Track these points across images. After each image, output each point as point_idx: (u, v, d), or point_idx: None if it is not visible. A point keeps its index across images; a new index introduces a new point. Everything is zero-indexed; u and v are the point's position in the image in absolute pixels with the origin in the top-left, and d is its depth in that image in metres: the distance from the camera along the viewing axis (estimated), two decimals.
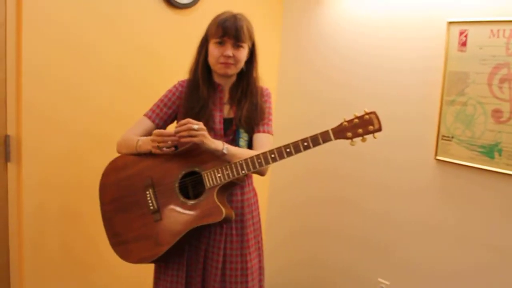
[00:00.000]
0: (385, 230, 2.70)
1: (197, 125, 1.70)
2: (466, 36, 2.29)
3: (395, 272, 2.68)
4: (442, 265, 2.48)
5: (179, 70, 2.69)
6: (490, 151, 2.25)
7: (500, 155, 2.22)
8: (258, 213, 2.05)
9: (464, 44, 2.30)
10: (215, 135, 1.87)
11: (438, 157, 2.44)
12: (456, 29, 2.32)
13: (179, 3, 2.57)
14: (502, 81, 2.20)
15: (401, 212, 2.63)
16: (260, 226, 2.05)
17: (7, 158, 2.16)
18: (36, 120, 2.19)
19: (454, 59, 2.34)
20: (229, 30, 1.83)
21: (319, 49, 2.96)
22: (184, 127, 1.69)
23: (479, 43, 2.25)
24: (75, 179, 2.35)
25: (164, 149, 1.77)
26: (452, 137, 2.38)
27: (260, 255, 2.03)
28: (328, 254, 2.99)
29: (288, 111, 3.13)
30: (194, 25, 2.67)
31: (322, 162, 2.94)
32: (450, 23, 2.34)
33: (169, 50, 2.61)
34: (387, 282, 2.71)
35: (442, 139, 2.41)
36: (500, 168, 2.22)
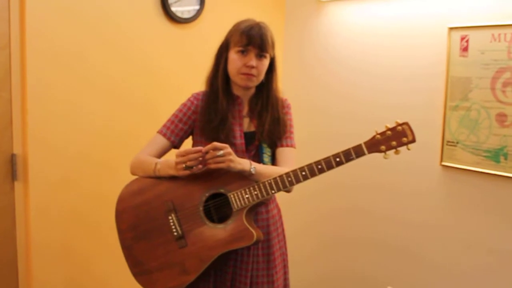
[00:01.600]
0: (393, 236, 2.69)
1: (223, 149, 1.58)
2: (467, 41, 2.29)
3: (403, 277, 2.66)
4: (451, 270, 2.47)
5: (182, 86, 2.71)
6: (495, 156, 2.24)
7: (506, 159, 2.21)
8: (283, 229, 1.95)
9: (465, 49, 2.30)
10: (236, 151, 1.73)
11: (444, 163, 2.43)
12: (457, 35, 2.33)
13: (180, 18, 2.59)
14: (505, 85, 2.19)
15: (408, 218, 2.62)
16: (285, 243, 1.95)
17: (13, 177, 2.17)
18: (42, 138, 2.20)
19: (456, 64, 2.34)
20: (254, 39, 1.72)
21: (321, 59, 2.97)
22: (208, 155, 1.58)
23: (480, 47, 2.25)
24: (83, 196, 2.35)
25: (193, 168, 1.62)
26: (457, 143, 2.37)
27: (285, 273, 1.93)
28: (340, 262, 2.98)
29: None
30: (196, 39, 2.70)
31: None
32: (451, 28, 2.34)
33: (172, 67, 2.62)
34: None
35: (447, 144, 2.41)
36: (507, 172, 2.21)
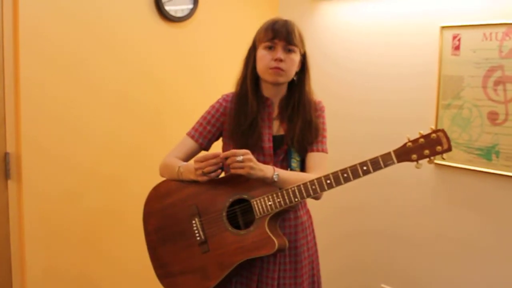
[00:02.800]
0: (388, 232, 2.71)
1: (242, 155, 1.54)
2: (459, 40, 2.31)
3: (395, 280, 2.68)
4: (445, 266, 2.48)
5: (176, 85, 2.72)
6: (487, 154, 2.26)
7: (497, 157, 2.23)
8: (314, 236, 1.88)
9: (457, 48, 2.32)
10: (264, 155, 1.72)
11: (436, 161, 2.44)
12: (449, 34, 2.34)
13: (174, 17, 2.60)
14: (496, 83, 2.21)
15: (400, 216, 2.63)
16: (316, 251, 1.88)
17: (7, 175, 2.17)
18: (35, 137, 2.20)
19: (448, 63, 2.36)
20: (279, 32, 1.67)
21: (314, 57, 2.91)
22: (228, 160, 1.55)
23: (472, 46, 2.27)
24: (77, 194, 2.35)
25: (212, 174, 1.61)
26: None
27: (314, 282, 1.84)
28: (339, 257, 2.99)
29: None
30: (190, 38, 2.71)
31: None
32: (443, 27, 2.35)
33: (166, 65, 2.62)
34: None
35: None
36: (498, 169, 2.23)
